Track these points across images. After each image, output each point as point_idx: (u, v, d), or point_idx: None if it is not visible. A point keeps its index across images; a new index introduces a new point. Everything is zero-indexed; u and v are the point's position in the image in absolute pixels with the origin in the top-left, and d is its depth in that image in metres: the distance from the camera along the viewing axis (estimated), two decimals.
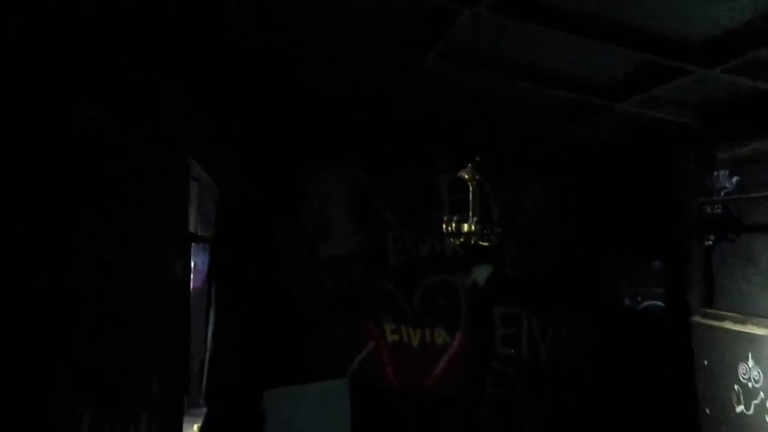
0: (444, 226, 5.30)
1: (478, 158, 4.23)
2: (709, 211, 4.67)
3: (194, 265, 4.29)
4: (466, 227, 4.40)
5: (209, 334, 4.34)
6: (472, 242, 4.45)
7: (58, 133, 1.18)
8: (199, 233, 4.31)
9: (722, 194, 4.46)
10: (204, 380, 4.27)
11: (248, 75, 5.37)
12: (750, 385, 4.14)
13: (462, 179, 4.36)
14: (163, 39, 2.38)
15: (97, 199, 1.47)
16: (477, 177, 4.32)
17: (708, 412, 4.56)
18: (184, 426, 3.44)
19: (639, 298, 5.42)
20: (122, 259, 1.71)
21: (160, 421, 2.10)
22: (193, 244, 4.17)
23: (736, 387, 4.26)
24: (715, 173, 4.51)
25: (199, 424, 3.80)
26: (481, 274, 5.85)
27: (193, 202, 4.15)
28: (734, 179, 4.36)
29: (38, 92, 1.09)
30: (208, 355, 4.31)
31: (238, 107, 5.26)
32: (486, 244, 4.49)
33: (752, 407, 4.11)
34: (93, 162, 1.43)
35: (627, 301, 5.63)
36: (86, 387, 1.33)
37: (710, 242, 4.69)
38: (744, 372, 4.19)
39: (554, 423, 5.86)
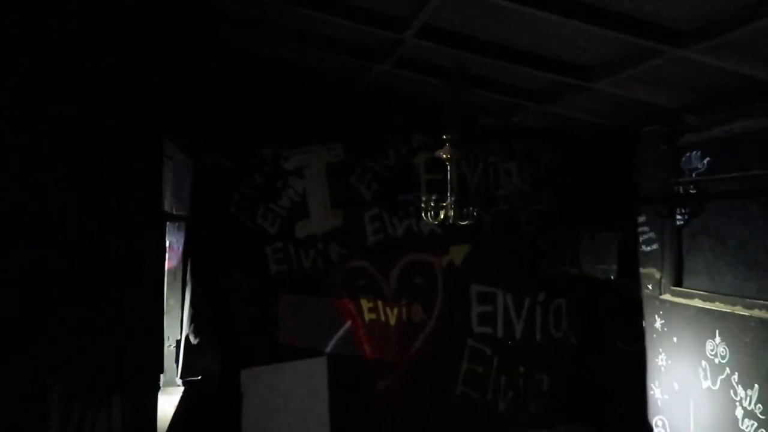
0: (422, 205, 5.33)
1: (447, 136, 4.22)
2: (681, 191, 4.75)
3: (169, 244, 4.24)
4: (443, 207, 4.42)
5: (185, 314, 4.32)
6: (450, 221, 4.48)
7: (18, 111, 1.15)
8: (174, 212, 4.26)
9: (694, 175, 4.54)
10: (180, 360, 4.26)
11: (225, 53, 5.29)
12: (716, 361, 4.26)
13: (439, 158, 4.36)
14: (135, 16, 2.32)
15: (64, 177, 1.44)
16: (454, 156, 4.32)
17: (676, 387, 4.69)
18: (159, 406, 3.44)
19: (613, 276, 5.52)
20: (92, 238, 1.69)
21: (134, 401, 2.10)
22: (168, 222, 4.13)
23: (703, 363, 4.39)
24: (688, 154, 4.58)
25: (175, 404, 3.79)
26: (458, 252, 5.90)
27: (168, 180, 4.09)
28: (706, 160, 4.43)
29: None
30: (184, 335, 4.29)
31: (216, 86, 5.18)
32: (463, 223, 4.52)
33: (718, 382, 4.24)
34: (57, 139, 1.40)
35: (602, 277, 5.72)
36: (53, 367, 1.32)
37: (681, 222, 4.79)
38: (711, 348, 4.31)
39: (528, 399, 5.99)
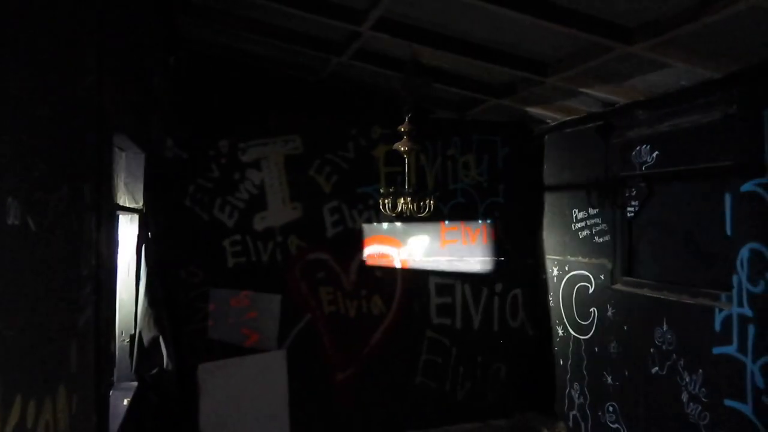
0: (380, 199, 5.34)
1: (406, 129, 4.24)
2: (631, 183, 4.90)
3: (122, 238, 4.15)
4: (401, 200, 4.44)
5: (139, 308, 4.23)
6: (408, 214, 4.50)
7: None
8: (128, 205, 4.16)
9: (643, 168, 4.68)
10: (134, 355, 4.17)
11: (181, 43, 5.18)
12: (664, 347, 4.42)
13: (397, 151, 4.38)
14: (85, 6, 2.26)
15: (6, 169, 1.40)
16: (412, 148, 4.34)
17: (627, 373, 4.85)
18: (113, 401, 3.38)
19: (567, 267, 5.66)
20: (39, 232, 1.64)
21: (81, 394, 2.05)
22: (120, 215, 4.03)
23: (652, 350, 4.54)
24: (638, 148, 4.72)
25: (129, 399, 3.72)
26: (417, 244, 5.95)
27: (120, 173, 3.99)
28: (655, 154, 4.57)
29: None
30: (138, 330, 4.20)
31: (171, 77, 5.07)
32: (421, 215, 4.56)
33: (666, 368, 4.40)
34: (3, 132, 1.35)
35: (555, 270, 5.86)
36: None
37: (631, 214, 4.94)
38: (659, 336, 4.47)
39: (486, 389, 6.09)
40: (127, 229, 4.28)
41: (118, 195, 3.77)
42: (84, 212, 2.24)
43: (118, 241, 3.76)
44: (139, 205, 4.23)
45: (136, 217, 4.30)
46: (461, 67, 4.63)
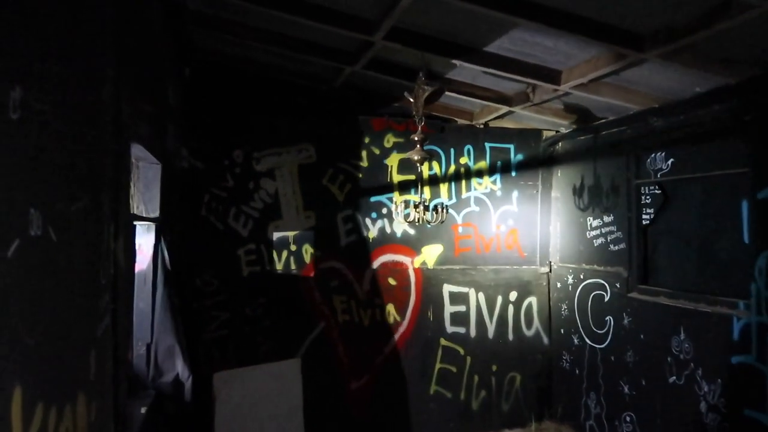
0: (394, 207, 5.36)
1: (419, 138, 4.27)
2: (646, 191, 4.87)
3: (139, 247, 4.19)
4: (415, 208, 4.45)
5: (155, 317, 4.27)
6: (421, 222, 4.51)
7: None
8: (144, 215, 4.21)
9: (658, 175, 4.65)
10: (151, 363, 4.21)
11: (196, 55, 5.25)
12: (681, 356, 4.37)
13: (410, 159, 4.40)
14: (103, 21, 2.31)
15: (30, 181, 1.43)
16: (425, 157, 4.36)
17: (644, 383, 4.80)
18: (130, 409, 3.40)
19: (582, 275, 5.62)
20: (60, 242, 1.67)
21: (99, 402, 2.08)
22: (137, 225, 4.08)
23: (668, 359, 4.49)
24: (652, 155, 4.69)
25: (146, 407, 3.75)
26: (431, 253, 5.94)
27: (136, 183, 4.05)
28: (670, 161, 4.54)
29: None
30: (154, 339, 4.24)
31: (185, 90, 5.14)
32: (435, 223, 4.56)
33: (683, 377, 4.35)
34: (24, 145, 1.39)
35: (570, 279, 5.83)
36: (17, 366, 1.31)
37: (647, 221, 4.90)
38: (676, 345, 4.42)
39: (501, 398, 6.05)
40: (144, 239, 4.32)
41: (135, 204, 3.82)
42: (102, 222, 2.27)
43: (135, 251, 3.80)
44: (156, 214, 4.28)
45: (152, 226, 4.35)
46: (473, 76, 4.64)
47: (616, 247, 5.16)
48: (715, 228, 4.26)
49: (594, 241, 5.46)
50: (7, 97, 1.23)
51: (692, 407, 4.24)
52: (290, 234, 5.54)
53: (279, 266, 5.51)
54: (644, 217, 4.91)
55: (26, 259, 1.39)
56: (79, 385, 1.85)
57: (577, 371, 5.73)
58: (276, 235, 5.51)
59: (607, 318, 5.25)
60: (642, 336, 4.82)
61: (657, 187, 4.74)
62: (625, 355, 5.00)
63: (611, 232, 5.23)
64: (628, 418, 4.99)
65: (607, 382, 5.27)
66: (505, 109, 5.22)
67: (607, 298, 5.27)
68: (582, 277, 5.64)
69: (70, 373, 1.77)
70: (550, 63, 4.14)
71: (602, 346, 5.34)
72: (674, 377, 4.44)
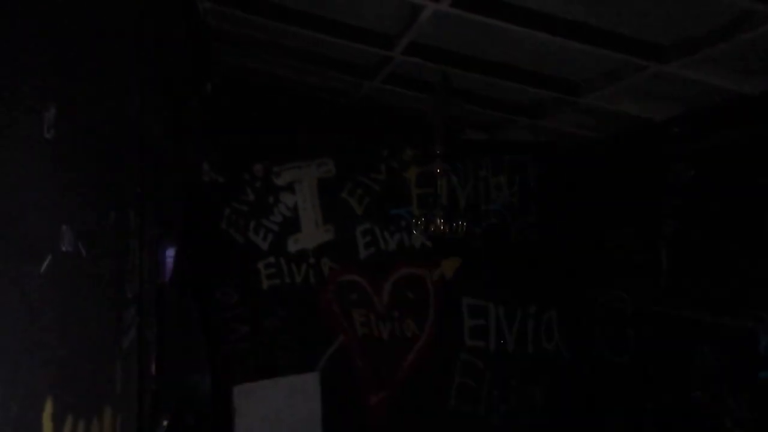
0: (413, 220, 5.36)
1: (437, 151, 4.28)
2: (669, 203, 4.82)
3: (161, 260, 4.26)
4: (433, 221, 4.46)
5: (176, 328, 4.31)
6: (440, 235, 4.51)
7: (21, 137, 1.17)
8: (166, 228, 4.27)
9: (680, 187, 4.61)
10: (172, 376, 4.24)
11: (216, 71, 5.34)
12: (706, 371, 4.30)
13: (429, 172, 4.41)
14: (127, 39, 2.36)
15: (62, 198, 1.47)
16: (444, 170, 4.37)
17: (667, 398, 4.72)
18: (154, 422, 3.43)
19: (602, 287, 5.57)
20: (89, 258, 1.71)
21: (124, 415, 2.11)
22: (160, 238, 4.14)
23: (692, 374, 4.42)
24: (674, 166, 4.65)
25: (167, 421, 3.78)
26: (449, 266, 5.93)
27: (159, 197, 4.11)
28: (692, 172, 4.50)
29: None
30: (174, 350, 4.28)
31: (206, 104, 5.22)
32: (454, 236, 4.56)
33: (708, 393, 4.27)
34: (57, 164, 1.42)
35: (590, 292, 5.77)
36: (48, 378, 1.34)
37: (669, 233, 4.85)
38: (700, 359, 4.35)
39: (521, 413, 5.98)
40: (166, 252, 4.38)
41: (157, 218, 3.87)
42: (129, 237, 2.32)
43: (161, 265, 3.85)
44: (177, 228, 4.34)
45: (173, 239, 4.41)
46: (492, 89, 4.66)
47: (639, 259, 5.11)
48: (740, 240, 4.19)
49: (615, 252, 5.41)
50: (42, 117, 1.27)
51: (718, 423, 4.16)
52: (309, 247, 5.57)
53: (298, 279, 5.54)
54: (666, 229, 4.86)
55: (58, 275, 1.42)
56: (106, 397, 1.88)
57: (597, 385, 5.66)
58: (295, 249, 5.55)
59: (629, 331, 5.19)
60: (665, 350, 4.75)
61: (679, 198, 4.69)
62: (648, 369, 4.93)
63: (633, 245, 5.18)
64: None
65: (629, 397, 5.19)
66: (524, 120, 5.22)
67: (629, 311, 5.21)
68: (602, 289, 5.58)
69: (97, 386, 1.79)
70: (568, 74, 4.14)
71: (623, 360, 5.27)
72: (698, 392, 4.36)
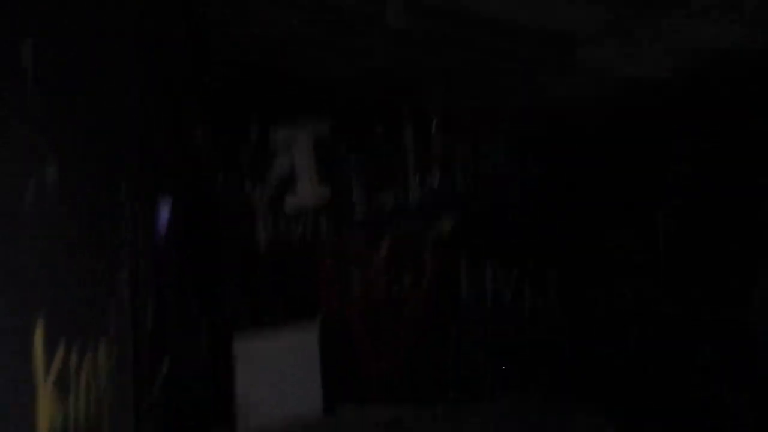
0: (410, 179, 5.38)
1: (434, 111, 4.30)
2: (670, 203, 4.73)
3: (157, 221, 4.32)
4: (430, 180, 4.49)
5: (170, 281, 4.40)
6: (436, 194, 4.54)
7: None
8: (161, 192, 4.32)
9: (681, 188, 4.53)
10: (170, 327, 4.36)
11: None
12: (708, 366, 4.24)
13: (426, 132, 4.43)
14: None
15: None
16: (440, 129, 4.40)
17: (670, 394, 4.66)
18: (153, 360, 3.54)
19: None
20: (79, 194, 1.79)
21: (120, 353, 2.22)
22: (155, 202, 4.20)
23: (694, 368, 4.36)
24: (672, 164, 4.54)
25: (167, 366, 3.91)
26: (446, 225, 5.96)
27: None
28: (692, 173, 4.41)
29: None
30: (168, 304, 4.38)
31: (200, 63, 5.21)
32: (451, 194, 4.57)
33: (711, 387, 4.21)
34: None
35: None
36: (37, 303, 1.43)
37: (669, 233, 4.73)
38: (703, 353, 4.29)
39: (517, 368, 6.07)
40: (161, 214, 4.44)
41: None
42: (121, 188, 2.40)
43: (157, 216, 3.93)
44: (172, 191, 4.39)
45: (168, 202, 4.46)
46: (492, 49, 4.58)
47: (639, 258, 5.06)
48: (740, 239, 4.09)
49: (616, 250, 5.35)
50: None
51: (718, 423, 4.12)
52: (306, 207, 5.63)
53: (295, 239, 5.61)
54: (667, 228, 4.76)
55: (41, 205, 1.50)
56: (101, 332, 1.99)
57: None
58: (292, 209, 5.60)
59: (632, 327, 5.16)
60: (670, 350, 4.66)
61: (681, 197, 4.60)
62: (650, 364, 4.89)
63: (632, 244, 5.14)
64: None
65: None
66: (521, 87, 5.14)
67: (631, 306, 5.19)
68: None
69: (92, 319, 1.90)
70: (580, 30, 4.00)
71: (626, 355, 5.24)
72: (702, 387, 4.31)
